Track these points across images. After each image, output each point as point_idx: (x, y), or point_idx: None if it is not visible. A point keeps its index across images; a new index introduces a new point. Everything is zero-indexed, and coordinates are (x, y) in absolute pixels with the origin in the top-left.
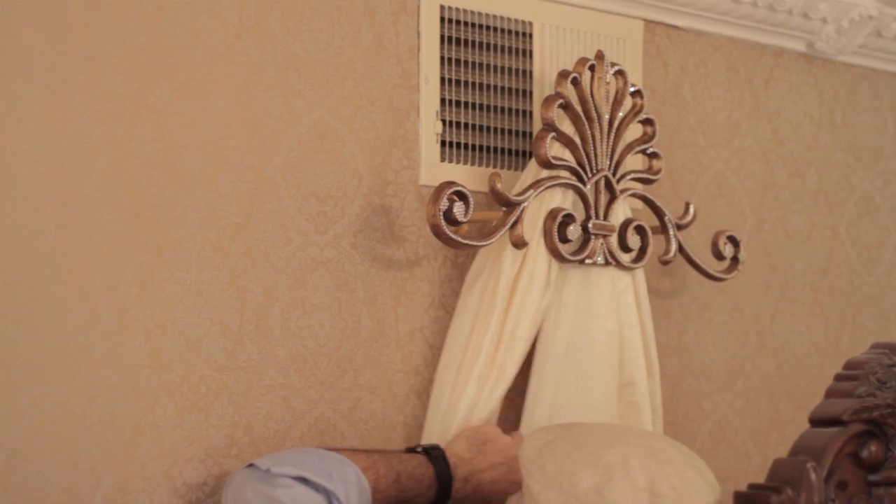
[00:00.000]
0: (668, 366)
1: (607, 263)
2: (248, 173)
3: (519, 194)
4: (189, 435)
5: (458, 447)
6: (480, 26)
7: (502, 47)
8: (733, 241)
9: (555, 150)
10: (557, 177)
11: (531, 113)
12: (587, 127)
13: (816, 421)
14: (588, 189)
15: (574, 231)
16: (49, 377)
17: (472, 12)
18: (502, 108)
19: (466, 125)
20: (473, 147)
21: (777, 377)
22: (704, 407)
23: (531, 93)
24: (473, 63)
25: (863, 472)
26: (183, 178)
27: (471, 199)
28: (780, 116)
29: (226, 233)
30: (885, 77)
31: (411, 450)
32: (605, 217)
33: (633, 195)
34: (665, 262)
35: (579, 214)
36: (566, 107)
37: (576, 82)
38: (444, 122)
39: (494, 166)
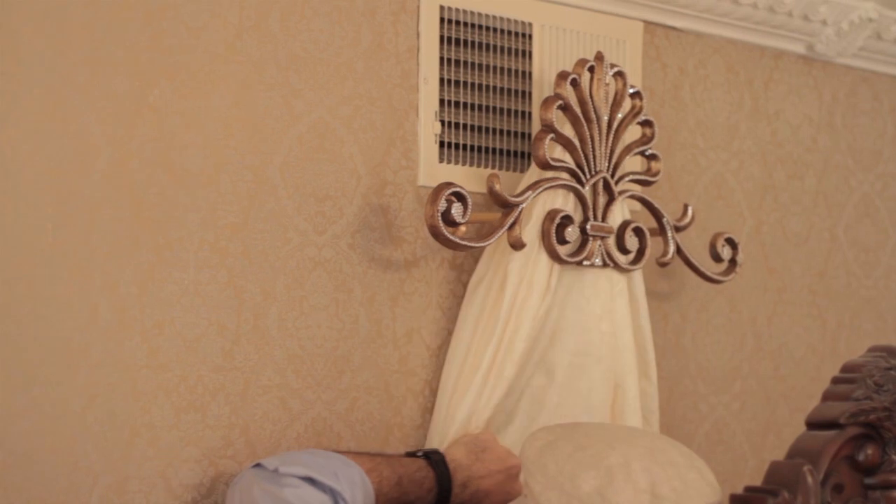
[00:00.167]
0: (665, 368)
1: (605, 265)
2: (248, 173)
3: (517, 195)
4: (186, 435)
5: (457, 453)
6: (480, 27)
7: (501, 48)
8: (731, 243)
9: (553, 151)
10: (556, 178)
11: (530, 114)
12: (586, 128)
13: (813, 424)
14: (586, 190)
15: (572, 232)
16: (48, 377)
17: (472, 13)
18: (501, 109)
19: (465, 126)
20: (472, 148)
21: (774, 380)
22: (701, 409)
23: (530, 94)
24: (473, 64)
25: (859, 475)
26: (183, 178)
27: (469, 201)
28: (780, 118)
29: (224, 233)
30: (885, 79)
31: (412, 454)
32: (604, 219)
33: (632, 197)
34: (663, 264)
35: (578, 216)
36: (565, 108)
37: (575, 83)
38: (442, 122)
39: (493, 167)
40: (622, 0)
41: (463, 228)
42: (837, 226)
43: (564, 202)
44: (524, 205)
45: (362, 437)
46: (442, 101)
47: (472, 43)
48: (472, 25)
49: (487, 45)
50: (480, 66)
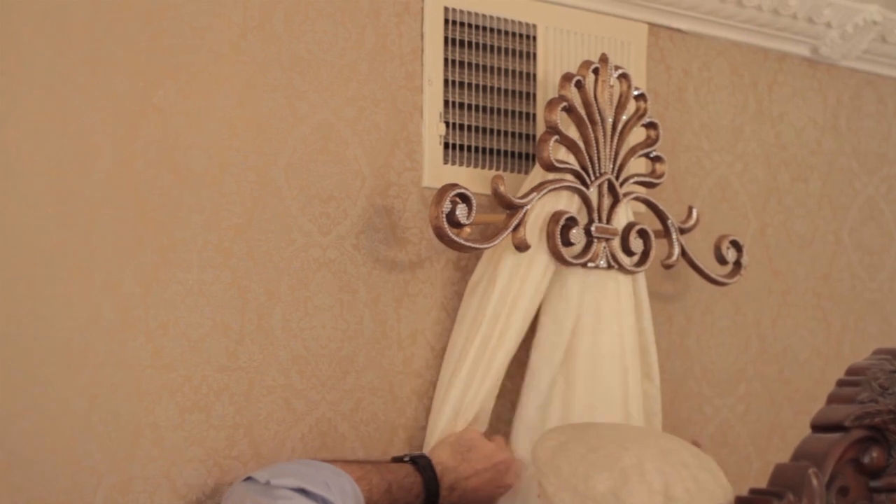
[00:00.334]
0: (669, 370)
1: (610, 267)
2: (252, 174)
3: (522, 197)
4: (190, 435)
5: (442, 455)
6: (484, 28)
7: (506, 49)
8: (736, 245)
9: (558, 153)
10: (560, 180)
11: (534, 115)
12: (590, 130)
13: (818, 426)
14: (591, 192)
15: (577, 234)
16: (50, 377)
17: (476, 14)
18: (506, 111)
19: (470, 127)
20: (476, 149)
21: (779, 382)
22: (706, 411)
23: (535, 95)
24: (477, 65)
25: (864, 478)
26: (186, 179)
27: (473, 202)
28: (784, 121)
29: (228, 233)
30: (890, 82)
31: (398, 459)
32: (608, 220)
33: (636, 199)
34: (668, 266)
35: (582, 218)
36: (569, 110)
37: (579, 85)
38: (447, 123)
39: (497, 169)
40: (627, 2)
41: (467, 230)
42: (842, 228)
43: (569, 204)
44: (528, 206)
45: (367, 438)
46: (446, 103)
47: (477, 44)
48: (477, 27)
49: (492, 47)
50: (485, 67)
